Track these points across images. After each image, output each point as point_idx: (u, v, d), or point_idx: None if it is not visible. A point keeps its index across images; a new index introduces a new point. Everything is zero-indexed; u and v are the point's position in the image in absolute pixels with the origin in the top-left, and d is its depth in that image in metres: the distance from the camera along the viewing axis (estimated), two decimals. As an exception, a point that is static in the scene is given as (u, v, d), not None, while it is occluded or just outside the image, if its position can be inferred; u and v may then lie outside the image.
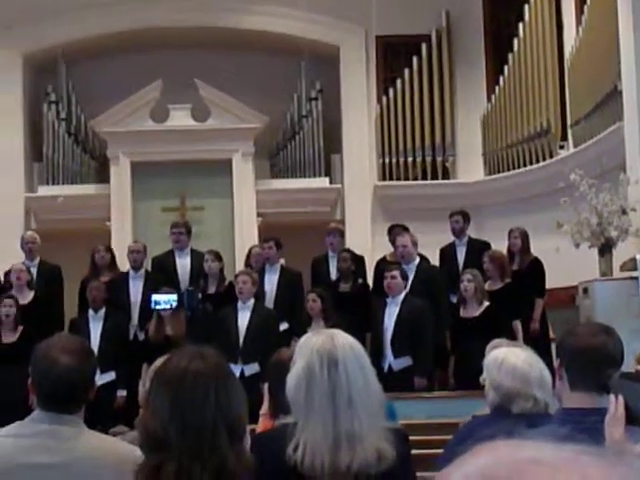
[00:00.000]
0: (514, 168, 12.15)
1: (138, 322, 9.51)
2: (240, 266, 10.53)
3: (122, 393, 8.87)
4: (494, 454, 0.78)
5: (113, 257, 10.11)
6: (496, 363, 3.62)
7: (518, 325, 8.93)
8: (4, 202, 12.61)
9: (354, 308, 9.07)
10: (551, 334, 9.45)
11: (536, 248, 9.86)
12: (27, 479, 2.79)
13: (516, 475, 0.74)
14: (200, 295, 9.22)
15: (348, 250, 9.98)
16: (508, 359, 3.61)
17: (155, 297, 8.85)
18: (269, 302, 9.47)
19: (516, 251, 9.76)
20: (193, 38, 12.85)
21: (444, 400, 8.26)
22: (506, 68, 12.37)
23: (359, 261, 9.96)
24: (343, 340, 2.81)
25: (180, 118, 12.66)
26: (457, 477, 0.77)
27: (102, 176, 13.00)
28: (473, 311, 8.70)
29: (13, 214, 12.61)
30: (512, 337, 7.71)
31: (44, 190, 12.80)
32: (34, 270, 9.79)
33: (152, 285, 9.40)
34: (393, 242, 9.98)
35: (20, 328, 8.68)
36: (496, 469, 0.76)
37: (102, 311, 9.14)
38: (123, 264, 10.16)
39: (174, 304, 8.78)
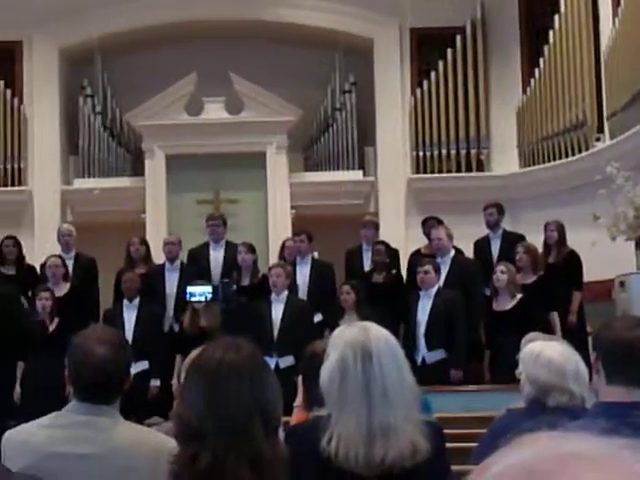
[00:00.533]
0: (549, 161, 12.08)
1: (174, 314, 9.55)
2: (274, 259, 10.55)
3: (155, 382, 8.90)
4: (536, 447, 0.78)
5: (148, 249, 10.15)
6: (532, 356, 3.61)
7: (556, 318, 8.87)
8: (41, 195, 12.73)
9: (387, 299, 9.05)
10: (588, 328, 9.39)
11: (572, 241, 9.79)
12: (63, 469, 2.81)
13: (558, 469, 0.74)
14: (234, 287, 9.24)
15: (382, 242, 9.96)
16: (544, 352, 3.59)
17: (190, 289, 8.90)
18: (301, 294, 9.48)
19: (552, 244, 9.69)
20: (228, 31, 12.87)
21: (479, 393, 8.22)
22: (541, 60, 12.28)
23: (393, 253, 9.94)
24: (377, 333, 2.80)
25: (214, 111, 12.69)
26: (499, 469, 0.77)
27: (137, 169, 13.07)
28: (506, 304, 8.66)
29: (50, 207, 12.71)
30: (547, 330, 7.66)
31: (80, 183, 12.89)
32: (70, 262, 9.87)
33: (187, 277, 9.45)
34: (427, 235, 9.95)
35: (56, 320, 8.76)
36: (538, 462, 0.75)
37: (136, 301, 9.19)
38: (158, 256, 10.21)
39: (209, 296, 8.82)
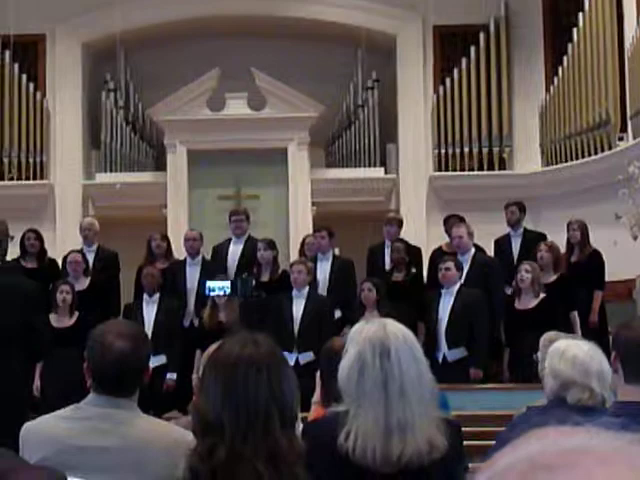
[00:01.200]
0: (572, 159, 12.02)
1: (194, 309, 9.57)
2: (294, 255, 10.55)
3: (172, 376, 8.93)
4: (543, 441, 0.78)
5: (169, 245, 10.17)
6: (558, 352, 3.65)
7: (576, 317, 8.84)
8: (63, 189, 12.79)
9: (407, 297, 9.05)
10: (609, 327, 9.34)
11: (594, 240, 9.74)
12: (82, 461, 2.82)
13: (565, 463, 0.74)
14: (253, 282, 9.23)
15: (401, 240, 9.94)
16: (570, 349, 3.63)
17: (209, 284, 8.92)
18: (322, 291, 9.48)
19: (575, 243, 9.65)
20: (250, 27, 12.88)
21: (498, 392, 8.19)
22: (565, 58, 12.22)
23: (414, 251, 9.92)
24: (395, 329, 2.80)
25: (236, 107, 12.69)
26: (506, 462, 0.77)
27: (159, 164, 13.11)
28: (528, 303, 8.62)
29: (71, 201, 12.77)
30: (568, 329, 7.64)
31: (102, 177, 12.93)
32: (92, 256, 9.90)
33: (207, 272, 9.48)
34: (449, 232, 9.94)
35: (76, 313, 8.79)
36: (544, 456, 0.75)
37: (156, 296, 9.21)
38: (179, 251, 10.24)
39: (227, 291, 8.82)
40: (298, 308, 8.84)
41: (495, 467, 0.78)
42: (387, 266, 9.86)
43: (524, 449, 0.78)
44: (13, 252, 9.54)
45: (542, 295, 8.60)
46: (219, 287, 8.85)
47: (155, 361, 8.73)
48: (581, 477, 0.72)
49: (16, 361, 5.32)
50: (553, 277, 9.01)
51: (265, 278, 9.50)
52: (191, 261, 9.87)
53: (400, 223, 10.49)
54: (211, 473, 2.24)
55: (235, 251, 10.06)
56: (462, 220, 9.93)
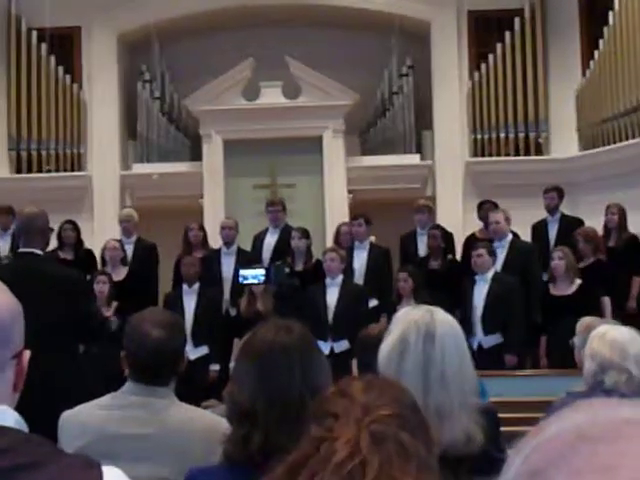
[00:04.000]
0: (609, 143, 11.91)
1: (230, 298, 9.60)
2: (330, 243, 10.56)
3: (215, 367, 8.95)
4: (591, 412, 0.78)
5: (205, 235, 10.22)
6: (598, 334, 3.67)
7: (607, 302, 8.77)
8: (100, 180, 12.87)
9: (444, 285, 9.02)
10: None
11: (632, 225, 9.67)
12: (119, 449, 2.85)
13: (610, 435, 0.74)
14: (288, 270, 9.23)
15: (438, 227, 9.92)
16: (610, 332, 3.67)
17: (242, 272, 8.93)
18: (358, 279, 9.47)
19: (613, 227, 9.58)
20: (284, 15, 12.87)
21: (536, 378, 8.16)
22: (601, 42, 12.10)
23: (449, 238, 9.90)
24: (443, 317, 2.77)
25: (271, 96, 12.70)
26: (552, 432, 0.77)
27: (195, 154, 13.15)
28: (565, 289, 8.56)
29: (109, 192, 12.85)
30: (604, 315, 7.60)
31: (139, 168, 12.99)
32: (131, 247, 9.96)
33: (242, 261, 9.50)
34: (483, 218, 9.89)
35: (114, 304, 8.84)
36: (591, 427, 0.75)
37: (196, 286, 9.22)
38: (215, 241, 10.27)
39: (261, 279, 8.82)
40: (332, 296, 8.83)
41: (540, 436, 0.79)
42: (420, 253, 9.84)
43: (570, 419, 0.78)
44: (51, 244, 9.61)
45: (578, 281, 8.53)
46: (252, 275, 8.86)
47: (197, 352, 8.79)
48: (624, 447, 0.72)
49: (61, 351, 5.36)
50: (590, 260, 8.94)
51: (299, 267, 9.51)
52: (226, 250, 9.90)
53: (430, 209, 10.47)
54: (247, 460, 2.25)
55: (270, 240, 10.09)
56: (496, 206, 9.89)
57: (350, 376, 1.76)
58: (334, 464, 1.47)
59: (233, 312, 9.38)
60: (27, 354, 1.70)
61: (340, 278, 8.94)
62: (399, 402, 1.65)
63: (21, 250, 5.72)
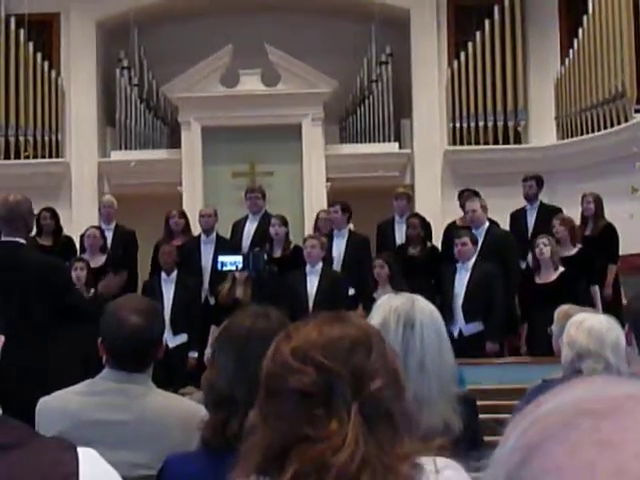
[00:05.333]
0: (587, 132, 11.95)
1: (209, 286, 9.59)
2: (309, 231, 10.55)
3: (194, 355, 8.95)
4: (590, 387, 0.77)
5: (187, 222, 10.20)
6: (576, 322, 3.68)
7: (597, 291, 8.82)
8: (78, 167, 12.81)
9: (422, 272, 9.04)
10: (624, 301, 9.32)
11: (610, 214, 9.72)
12: (96, 436, 2.84)
13: (612, 410, 0.73)
14: (266, 257, 9.23)
15: (417, 215, 9.93)
16: (588, 320, 3.68)
17: (221, 258, 8.94)
18: (337, 267, 9.47)
19: (589, 216, 9.62)
20: (263, 2, 12.84)
21: (515, 366, 8.21)
22: (580, 31, 12.14)
23: (426, 226, 9.91)
24: (423, 305, 2.78)
25: (250, 83, 12.67)
26: (550, 406, 0.76)
27: (173, 141, 13.11)
28: (549, 276, 8.61)
29: (87, 179, 12.80)
30: (589, 303, 7.62)
31: (117, 155, 12.94)
32: (110, 234, 9.94)
33: (222, 249, 9.49)
34: (463, 207, 9.92)
35: (92, 290, 8.80)
36: (591, 402, 0.74)
37: (174, 274, 9.22)
38: (195, 228, 10.26)
39: (239, 265, 8.83)
40: (312, 284, 8.83)
41: (538, 411, 0.77)
42: (398, 241, 9.86)
43: (569, 394, 0.77)
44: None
45: (561, 269, 8.58)
46: (231, 262, 8.86)
47: (176, 340, 8.79)
48: (626, 422, 0.71)
49: (42, 337, 5.36)
50: (573, 251, 8.98)
51: (277, 254, 9.51)
52: (205, 238, 9.89)
53: (409, 197, 10.49)
54: (225, 446, 2.25)
55: (250, 228, 10.08)
56: (476, 194, 9.92)
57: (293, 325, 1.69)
58: (337, 471, 1.46)
59: (212, 300, 9.36)
60: (1, 339, 1.69)
61: (320, 265, 8.94)
62: (376, 351, 1.60)
63: (4, 239, 5.69)
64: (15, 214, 5.64)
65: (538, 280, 8.66)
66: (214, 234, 9.95)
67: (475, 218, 9.29)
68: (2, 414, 1.58)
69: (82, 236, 9.71)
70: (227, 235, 10.22)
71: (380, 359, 1.59)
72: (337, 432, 1.49)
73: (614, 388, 0.76)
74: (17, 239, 5.63)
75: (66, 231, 10.37)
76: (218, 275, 9.14)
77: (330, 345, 1.58)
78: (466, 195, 10.05)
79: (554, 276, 8.57)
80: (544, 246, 8.60)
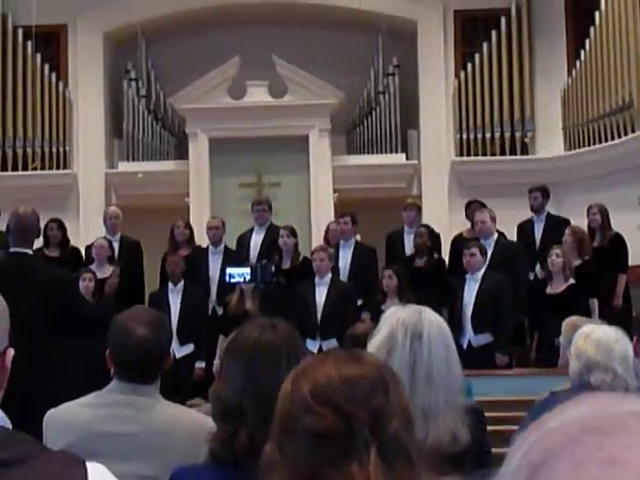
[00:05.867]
0: (595, 143, 11.94)
1: (216, 297, 9.59)
2: (316, 242, 10.55)
3: (200, 365, 8.95)
4: (595, 404, 0.77)
5: (192, 233, 10.21)
6: (584, 334, 3.67)
7: (595, 304, 8.80)
8: (85, 178, 12.84)
9: (429, 283, 9.03)
10: (633, 312, 9.29)
11: (617, 224, 9.70)
12: (104, 448, 2.84)
13: (616, 427, 0.73)
14: (274, 269, 9.24)
15: (426, 226, 9.92)
16: (595, 331, 3.66)
17: (229, 270, 8.95)
18: (343, 278, 9.47)
19: (596, 227, 9.60)
20: (270, 14, 12.86)
21: (523, 377, 8.19)
22: (587, 41, 12.13)
23: (435, 237, 9.91)
24: (430, 316, 2.78)
25: (257, 94, 12.69)
26: (556, 424, 0.76)
27: (181, 152, 13.13)
28: (558, 287, 8.59)
29: (94, 190, 12.81)
30: (590, 315, 7.61)
31: (124, 166, 12.96)
32: (116, 245, 9.95)
33: (229, 260, 9.49)
34: (470, 218, 9.90)
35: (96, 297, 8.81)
36: (595, 420, 0.74)
37: (181, 284, 9.23)
38: (201, 239, 10.26)
39: (247, 277, 8.84)
40: (321, 295, 8.85)
41: (543, 428, 0.77)
42: (407, 252, 9.85)
43: (575, 411, 0.77)
44: (37, 241, 9.59)
45: (571, 280, 8.56)
46: (239, 273, 8.88)
47: (183, 350, 8.80)
48: (630, 440, 0.71)
49: (49, 349, 5.37)
50: (577, 262, 8.96)
51: (286, 265, 9.52)
52: (214, 249, 9.89)
53: (419, 208, 10.49)
54: (232, 458, 2.24)
55: (257, 239, 10.09)
56: (484, 205, 9.91)
57: (308, 365, 1.70)
58: None
59: (220, 311, 9.37)
60: (11, 353, 1.68)
61: (329, 277, 8.95)
62: (394, 395, 1.62)
63: (14, 250, 5.74)
64: (25, 226, 5.70)
65: (549, 290, 8.65)
66: (222, 246, 9.96)
67: (485, 229, 9.28)
68: (11, 429, 1.58)
69: (89, 247, 9.72)
70: (233, 246, 10.22)
71: (396, 399, 1.61)
72: (358, 474, 1.49)
73: (618, 405, 0.76)
74: (26, 250, 5.68)
75: (73, 242, 10.39)
76: (226, 286, 9.14)
77: (349, 386, 1.59)
78: (474, 206, 10.04)
79: (562, 287, 8.56)
80: (557, 257, 8.59)
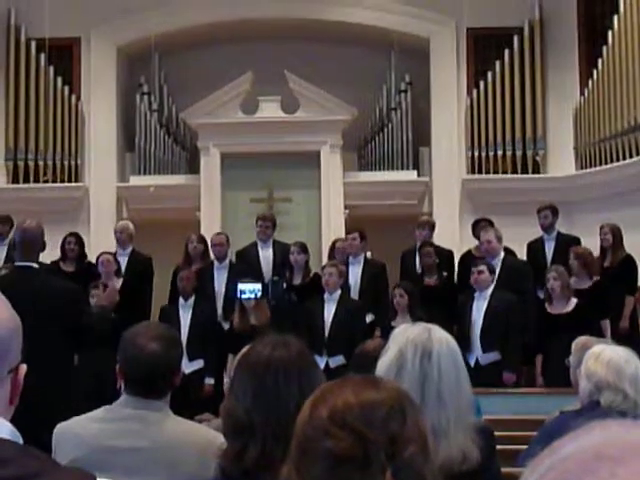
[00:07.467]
0: (606, 163, 11.92)
1: (222, 312, 9.58)
2: (327, 258, 10.55)
3: (210, 381, 8.94)
4: (607, 432, 0.77)
5: (206, 247, 10.15)
6: (594, 354, 3.66)
7: (607, 325, 8.76)
8: (97, 192, 12.86)
9: (439, 302, 9.01)
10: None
11: (629, 244, 9.67)
12: (114, 462, 2.84)
13: (628, 455, 0.73)
14: (285, 285, 9.24)
15: (431, 244, 9.91)
16: (606, 352, 3.66)
17: (241, 286, 8.93)
18: (353, 294, 9.46)
19: (607, 247, 9.57)
20: (283, 30, 12.90)
21: (531, 396, 8.16)
22: (600, 61, 12.13)
23: (446, 255, 9.89)
24: (440, 335, 2.77)
25: (270, 110, 12.72)
26: (568, 451, 0.76)
27: (192, 167, 13.15)
28: (562, 307, 8.57)
29: (106, 204, 12.84)
30: (600, 336, 7.57)
31: (136, 180, 12.99)
32: (125, 259, 9.92)
33: (236, 276, 9.44)
34: (478, 236, 9.89)
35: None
36: (608, 447, 0.75)
37: (191, 299, 9.22)
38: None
39: (259, 294, 8.84)
40: (329, 311, 8.84)
41: (556, 455, 0.77)
42: (419, 270, 9.84)
43: (587, 439, 0.77)
44: (53, 255, 9.61)
45: (575, 300, 8.53)
46: (250, 290, 8.87)
47: (192, 366, 8.78)
48: None
49: (55, 365, 5.38)
50: (588, 283, 8.93)
51: (297, 281, 9.51)
52: (219, 265, 9.86)
53: (432, 226, 10.46)
54: (242, 474, 2.24)
55: (266, 256, 10.07)
56: (491, 224, 9.89)
57: (328, 389, 1.72)
58: None
59: (226, 326, 9.36)
60: (23, 368, 1.69)
61: (338, 293, 8.94)
62: (411, 422, 1.63)
63: (20, 264, 5.75)
64: (30, 240, 5.71)
65: (551, 310, 8.62)
66: (227, 261, 9.94)
67: (490, 249, 9.25)
68: (23, 444, 1.58)
69: (96, 261, 9.70)
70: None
71: (413, 425, 1.62)
72: None
73: (630, 433, 0.76)
74: (32, 264, 5.69)
75: (84, 256, 10.39)
76: (232, 301, 9.13)
77: (367, 411, 1.61)
78: (481, 225, 10.02)
79: (569, 307, 8.53)
80: (554, 280, 8.57)
